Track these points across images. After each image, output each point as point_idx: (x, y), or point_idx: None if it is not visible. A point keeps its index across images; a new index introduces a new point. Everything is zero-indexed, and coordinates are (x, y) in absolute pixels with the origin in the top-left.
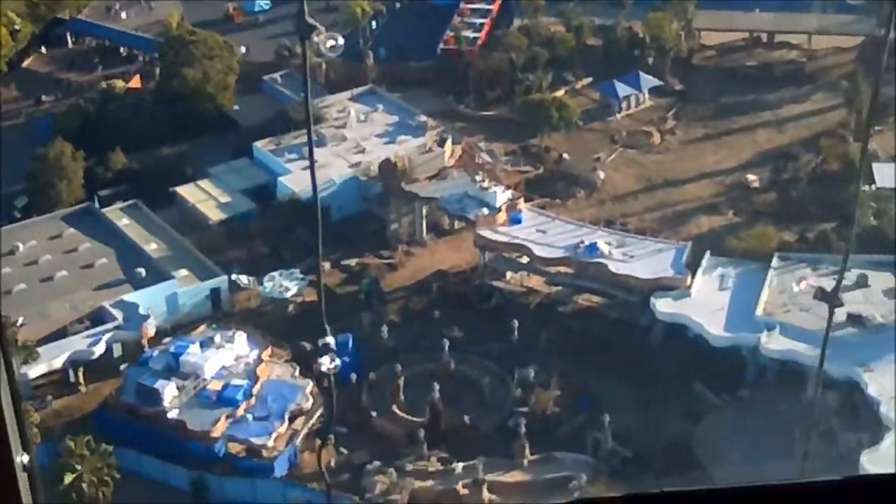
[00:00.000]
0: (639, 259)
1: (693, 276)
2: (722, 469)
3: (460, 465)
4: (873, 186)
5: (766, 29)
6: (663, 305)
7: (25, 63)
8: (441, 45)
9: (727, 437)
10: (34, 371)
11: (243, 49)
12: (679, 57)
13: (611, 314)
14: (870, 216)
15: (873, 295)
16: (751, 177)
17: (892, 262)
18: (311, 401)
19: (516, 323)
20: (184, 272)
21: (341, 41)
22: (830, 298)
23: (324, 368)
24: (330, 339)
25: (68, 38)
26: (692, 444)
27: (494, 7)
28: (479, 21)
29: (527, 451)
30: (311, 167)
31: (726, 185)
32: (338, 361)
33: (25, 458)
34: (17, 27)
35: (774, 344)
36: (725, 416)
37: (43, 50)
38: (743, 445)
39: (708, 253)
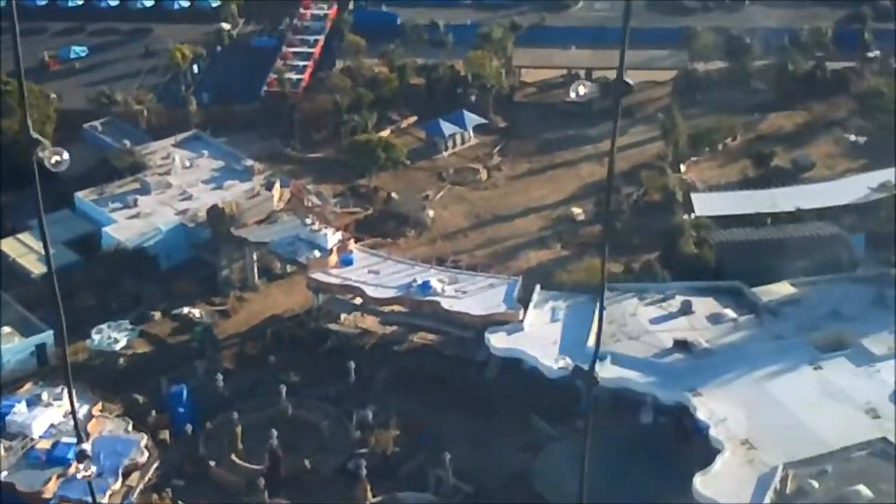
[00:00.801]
0: (471, 295)
1: (525, 311)
2: (563, 498)
3: None
4: (693, 215)
5: (583, 66)
6: (497, 340)
7: None
8: (265, 88)
9: (565, 468)
10: None
11: (53, 95)
12: (501, 94)
13: (446, 351)
14: (690, 244)
15: (697, 321)
16: (576, 210)
17: (712, 288)
18: (146, 454)
19: (353, 364)
20: (7, 329)
21: (66, 156)
22: (586, 377)
23: (79, 476)
24: (87, 446)
25: None
26: (532, 476)
27: (316, 50)
28: (301, 63)
29: (369, 493)
30: None
31: (553, 218)
32: (94, 469)
33: None
34: None
35: (606, 373)
36: (563, 446)
37: None
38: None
39: (538, 287)
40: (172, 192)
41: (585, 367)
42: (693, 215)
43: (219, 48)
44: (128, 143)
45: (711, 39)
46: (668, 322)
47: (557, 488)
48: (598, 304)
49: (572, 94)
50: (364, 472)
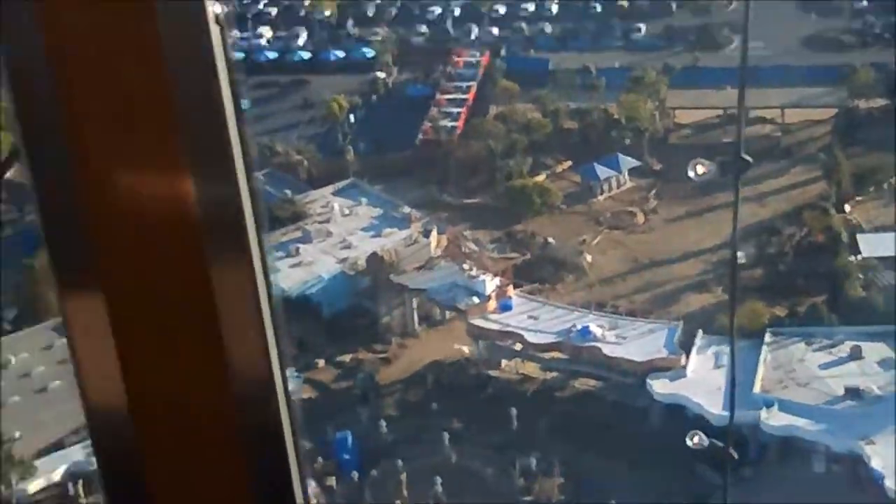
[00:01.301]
0: (631, 340)
1: (687, 356)
2: None
3: None
4: (859, 257)
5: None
6: (660, 386)
7: (8, 174)
8: (420, 136)
9: None
10: (32, 486)
11: None
12: (655, 136)
13: (608, 397)
14: (858, 287)
15: (868, 367)
16: (738, 253)
17: (883, 333)
18: (313, 501)
19: (514, 411)
20: None
21: None
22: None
23: None
24: None
25: None
26: None
27: (470, 96)
28: (455, 110)
29: None
30: None
31: (712, 262)
32: None
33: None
34: None
35: (775, 420)
36: (731, 496)
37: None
38: None
39: (700, 332)
40: (333, 240)
41: (720, 444)
42: (860, 256)
43: (374, 97)
44: (289, 192)
45: (872, 76)
46: (838, 367)
47: None
48: (761, 350)
49: (690, 173)
50: None
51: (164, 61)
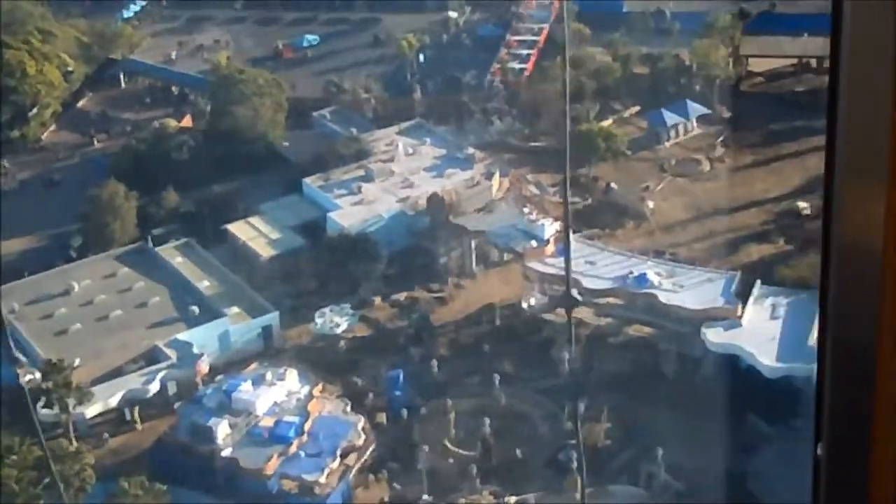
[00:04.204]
0: (688, 289)
1: (744, 306)
2: (778, 500)
3: (513, 499)
4: None
5: (815, 54)
6: (714, 336)
7: (80, 104)
8: (489, 77)
9: (782, 470)
10: (91, 410)
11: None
12: (727, 84)
13: (661, 345)
14: None
15: None
16: (802, 204)
17: None
18: (362, 437)
19: (566, 355)
20: (236, 310)
21: None
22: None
23: None
24: None
25: (121, 78)
26: (746, 477)
27: (541, 38)
28: (525, 52)
29: (579, 485)
30: None
31: (776, 212)
32: None
33: None
34: (69, 68)
35: None
36: (780, 447)
37: (96, 90)
38: (797, 477)
39: (759, 282)
40: (395, 179)
41: None
42: None
43: (444, 37)
44: (354, 130)
45: None
46: None
47: (773, 490)
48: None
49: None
50: (575, 464)
51: None
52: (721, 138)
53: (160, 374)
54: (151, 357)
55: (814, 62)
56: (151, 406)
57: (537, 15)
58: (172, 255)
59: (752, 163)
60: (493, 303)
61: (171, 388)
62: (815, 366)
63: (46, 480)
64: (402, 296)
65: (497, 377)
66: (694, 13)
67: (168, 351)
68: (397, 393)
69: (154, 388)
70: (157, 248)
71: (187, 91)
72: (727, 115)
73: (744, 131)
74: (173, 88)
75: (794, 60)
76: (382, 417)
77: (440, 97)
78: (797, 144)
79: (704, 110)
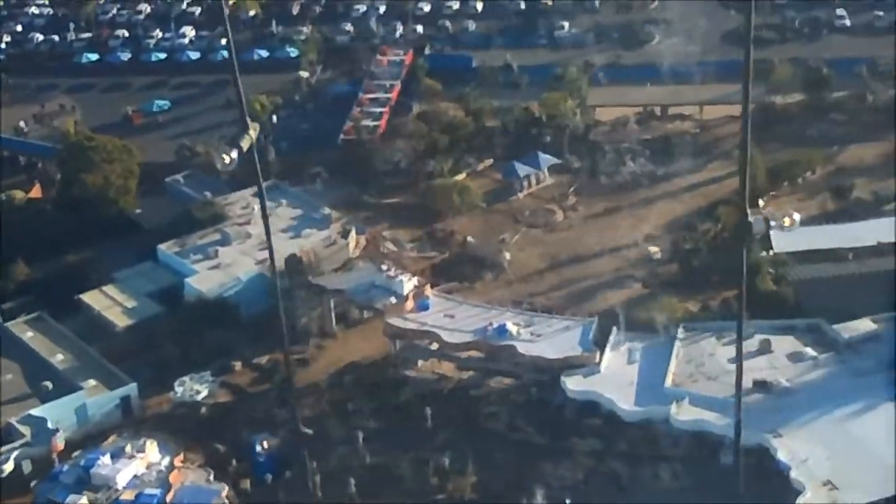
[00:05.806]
0: (546, 338)
1: (601, 353)
2: None
3: None
4: (771, 251)
5: (658, 102)
6: (574, 383)
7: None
8: (342, 136)
9: None
10: None
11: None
12: (576, 134)
13: (522, 396)
14: (769, 281)
15: (777, 360)
16: (653, 248)
17: (792, 327)
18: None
19: (429, 410)
20: (92, 382)
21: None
22: None
23: None
24: None
25: None
26: None
27: (393, 95)
28: (378, 110)
29: None
30: None
31: (629, 258)
32: None
33: None
34: None
35: (685, 414)
36: (644, 489)
37: None
38: None
39: (615, 328)
40: (252, 241)
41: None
42: (772, 251)
43: (297, 97)
44: (208, 194)
45: (789, 71)
46: (748, 361)
47: None
48: (673, 345)
49: None
50: None
51: None
52: (573, 187)
53: (14, 454)
54: (5, 435)
55: (658, 110)
56: (6, 486)
57: (389, 72)
58: (23, 330)
59: (604, 210)
60: (356, 360)
61: (27, 467)
62: (671, 407)
63: None
64: (263, 359)
65: (361, 434)
66: (541, 66)
67: (22, 428)
68: (260, 459)
69: (8, 467)
70: (7, 324)
71: (35, 160)
72: (577, 164)
73: (594, 179)
74: (20, 158)
75: (640, 109)
76: (247, 484)
77: (295, 157)
78: (646, 191)
79: (555, 160)
